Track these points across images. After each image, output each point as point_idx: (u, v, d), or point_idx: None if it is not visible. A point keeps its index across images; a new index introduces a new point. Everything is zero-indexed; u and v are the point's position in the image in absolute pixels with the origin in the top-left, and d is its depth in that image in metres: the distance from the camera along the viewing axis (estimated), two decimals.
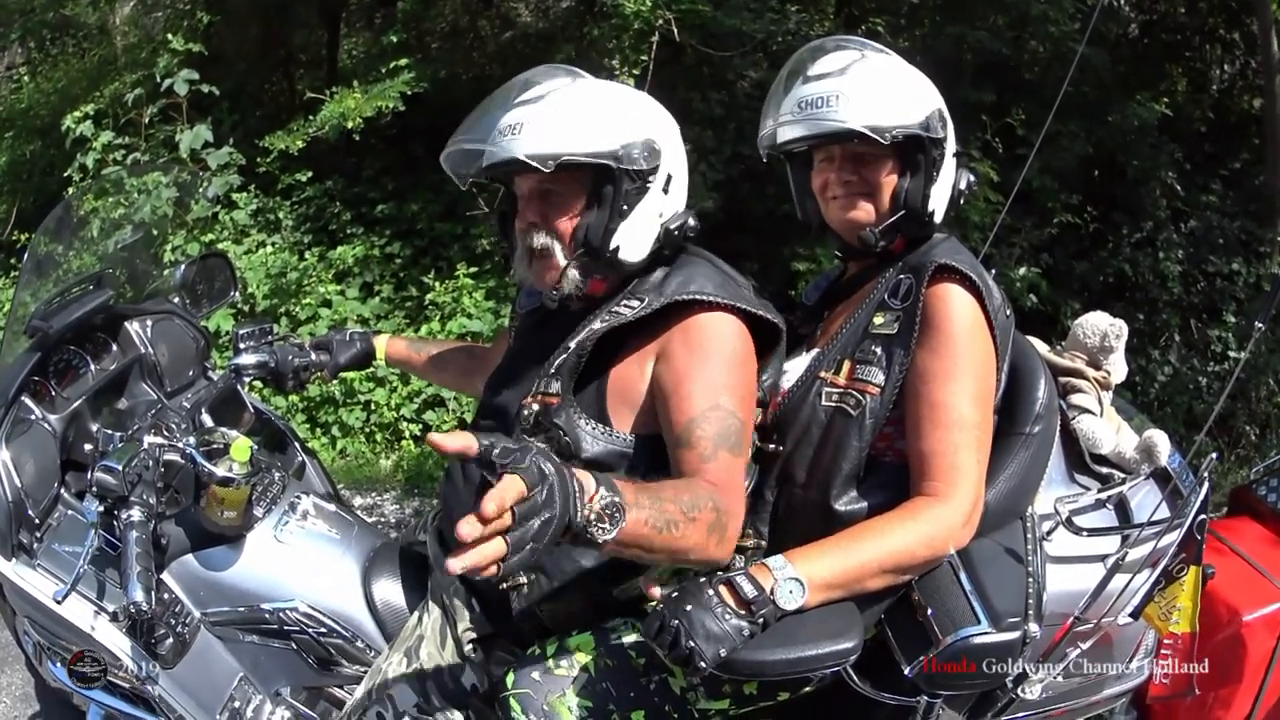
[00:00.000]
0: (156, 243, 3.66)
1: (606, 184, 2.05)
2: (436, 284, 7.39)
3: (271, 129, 8.08)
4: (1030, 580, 2.00)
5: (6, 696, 3.89)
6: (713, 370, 1.98)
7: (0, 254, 9.20)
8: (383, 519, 5.76)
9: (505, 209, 2.27)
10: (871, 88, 2.14)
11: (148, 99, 7.92)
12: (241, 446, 2.21)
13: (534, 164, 1.96)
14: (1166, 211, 8.18)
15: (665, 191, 2.11)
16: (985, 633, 1.90)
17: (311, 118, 7.71)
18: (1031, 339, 2.43)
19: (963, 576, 1.97)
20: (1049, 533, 2.18)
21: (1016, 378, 2.20)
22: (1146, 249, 8.03)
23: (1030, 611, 1.94)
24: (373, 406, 6.94)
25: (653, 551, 1.70)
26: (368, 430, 6.94)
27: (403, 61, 7.83)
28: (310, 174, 8.20)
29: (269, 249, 7.80)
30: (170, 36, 7.83)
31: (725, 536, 1.86)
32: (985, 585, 1.95)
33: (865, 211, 2.22)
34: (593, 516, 1.54)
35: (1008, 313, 2.17)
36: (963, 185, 2.29)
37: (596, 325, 2.06)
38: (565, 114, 2.03)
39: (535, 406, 2.04)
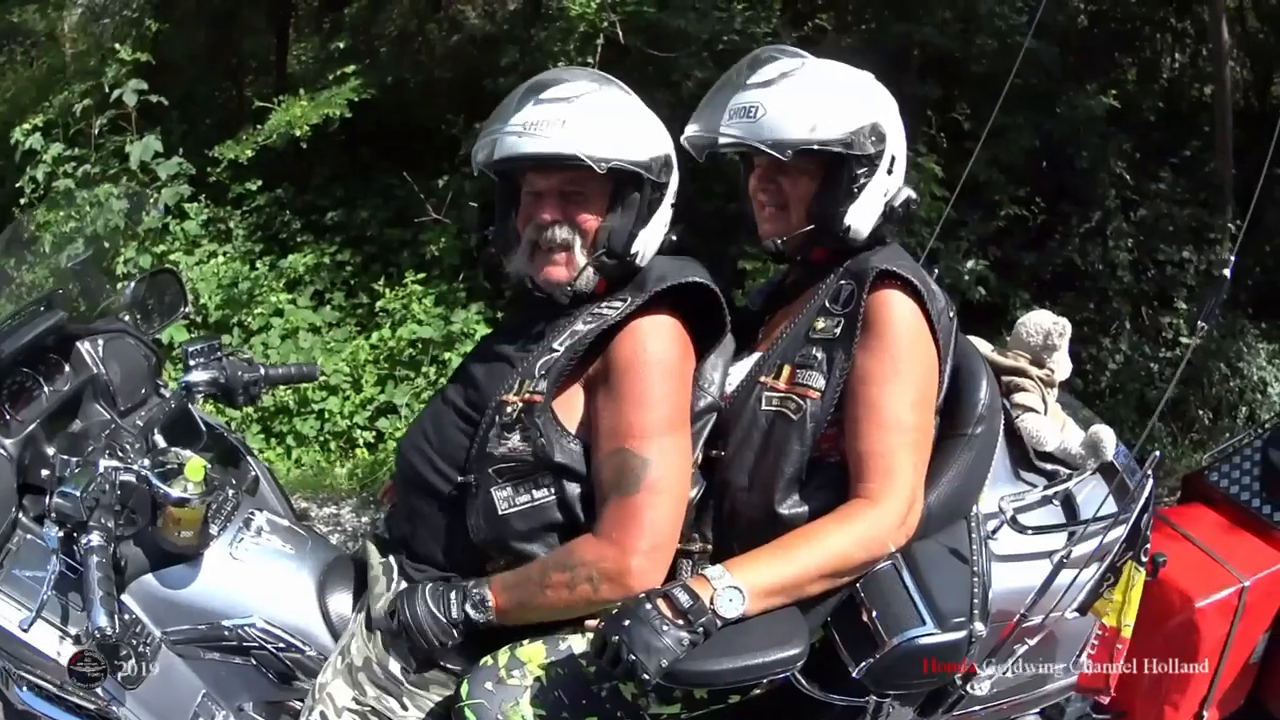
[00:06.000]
0: (108, 256, 3.65)
1: (633, 191, 2.12)
2: (386, 291, 7.38)
3: (221, 137, 8.05)
4: (975, 579, 2.01)
5: None
6: (626, 407, 2.02)
7: None
8: (341, 529, 5.72)
9: (480, 202, 2.31)
10: (792, 102, 2.15)
11: (97, 109, 7.83)
12: (195, 466, 2.20)
13: (589, 163, 2.02)
14: (1116, 201, 8.20)
15: (673, 204, 2.22)
16: (931, 633, 1.91)
17: (260, 126, 7.66)
18: (974, 339, 2.45)
19: (907, 578, 1.98)
20: (994, 531, 2.20)
21: (958, 379, 2.21)
22: (1096, 239, 8.05)
23: (975, 611, 1.96)
24: (326, 415, 6.91)
25: (540, 600, 2.01)
26: (322, 439, 6.91)
27: (350, 68, 7.80)
28: (260, 183, 8.14)
29: (220, 259, 7.75)
30: (118, 46, 7.75)
31: (617, 581, 1.95)
32: (930, 586, 1.96)
33: (776, 222, 2.25)
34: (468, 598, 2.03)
35: (950, 315, 2.18)
36: (899, 202, 2.26)
37: (580, 327, 2.11)
38: (612, 119, 2.10)
39: (519, 404, 2.06)
